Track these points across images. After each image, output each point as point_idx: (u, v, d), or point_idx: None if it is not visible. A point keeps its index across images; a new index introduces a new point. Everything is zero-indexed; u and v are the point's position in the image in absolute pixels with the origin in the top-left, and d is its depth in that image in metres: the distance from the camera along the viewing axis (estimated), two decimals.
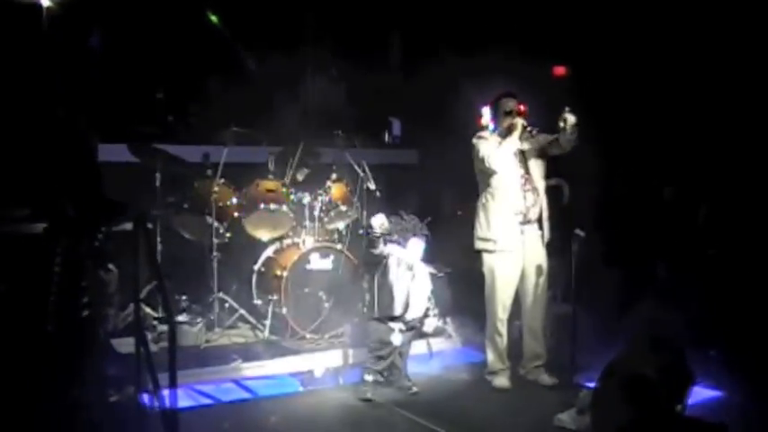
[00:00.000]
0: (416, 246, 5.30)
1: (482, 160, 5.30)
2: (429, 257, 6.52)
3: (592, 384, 5.43)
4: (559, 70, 7.63)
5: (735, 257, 5.91)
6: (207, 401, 5.00)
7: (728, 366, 5.29)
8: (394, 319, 5.18)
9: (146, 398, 4.93)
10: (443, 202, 7.83)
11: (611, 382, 4.46)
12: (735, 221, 6.03)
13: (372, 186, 6.04)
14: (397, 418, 4.92)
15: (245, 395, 5.15)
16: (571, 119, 5.06)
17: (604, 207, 6.48)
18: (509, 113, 5.39)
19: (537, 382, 5.49)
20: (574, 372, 5.33)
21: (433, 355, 5.88)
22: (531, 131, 5.28)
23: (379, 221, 5.24)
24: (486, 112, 8.43)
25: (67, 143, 4.86)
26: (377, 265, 5.21)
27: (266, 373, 5.34)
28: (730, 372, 5.22)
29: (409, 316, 5.24)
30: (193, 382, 5.05)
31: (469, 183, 7.60)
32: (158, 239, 5.86)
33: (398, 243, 5.27)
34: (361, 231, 5.49)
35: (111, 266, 5.60)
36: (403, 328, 5.22)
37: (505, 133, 5.36)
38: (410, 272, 5.27)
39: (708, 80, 6.22)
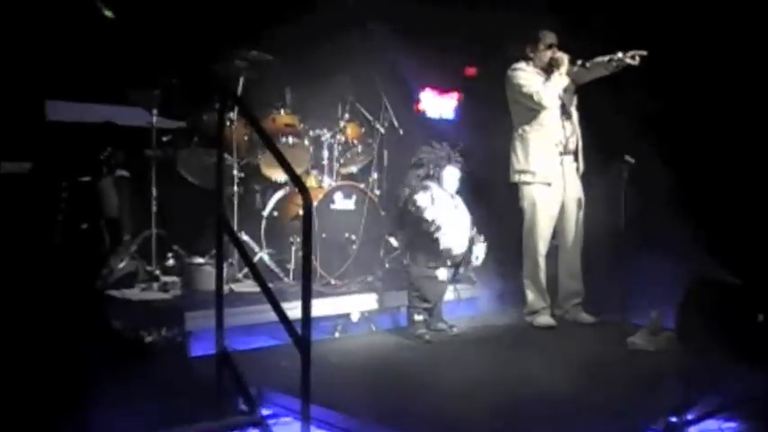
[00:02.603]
0: (452, 175, 4.97)
1: (529, 96, 5.10)
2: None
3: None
4: None
5: None
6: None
7: None
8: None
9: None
10: None
11: (695, 294, 4.45)
12: None
13: (396, 124, 5.66)
14: (460, 350, 4.68)
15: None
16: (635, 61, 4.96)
17: None
18: (550, 47, 5.23)
19: (576, 320, 5.34)
20: (623, 308, 5.19)
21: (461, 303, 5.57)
22: (583, 64, 5.15)
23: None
24: (427, 96, 8.37)
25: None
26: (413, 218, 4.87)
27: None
28: None
29: (456, 251, 4.95)
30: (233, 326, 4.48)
31: None
32: (153, 185, 5.23)
33: (436, 178, 4.96)
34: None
35: None
36: (449, 264, 4.94)
37: (546, 67, 5.22)
38: (452, 201, 4.97)
39: None
